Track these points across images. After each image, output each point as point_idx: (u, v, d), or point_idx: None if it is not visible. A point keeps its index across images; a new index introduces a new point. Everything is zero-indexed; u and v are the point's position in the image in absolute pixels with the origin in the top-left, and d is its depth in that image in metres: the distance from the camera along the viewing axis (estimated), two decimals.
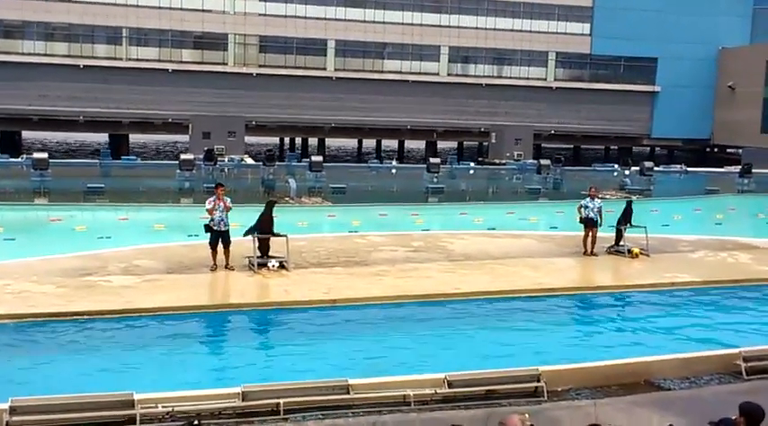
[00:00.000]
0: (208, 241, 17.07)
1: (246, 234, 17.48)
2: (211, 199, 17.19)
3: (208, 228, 17.03)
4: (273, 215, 17.74)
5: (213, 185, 18.50)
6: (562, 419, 9.48)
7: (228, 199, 17.29)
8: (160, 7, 53.23)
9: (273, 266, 16.91)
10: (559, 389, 10.64)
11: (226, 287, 16.00)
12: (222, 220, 16.92)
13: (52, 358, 11.60)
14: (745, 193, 41.50)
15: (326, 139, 63.58)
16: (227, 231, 17.00)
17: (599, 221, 20.28)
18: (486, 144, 59.68)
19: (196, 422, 5.27)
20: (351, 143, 72.85)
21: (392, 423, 9.40)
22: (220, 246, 16.92)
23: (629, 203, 21.09)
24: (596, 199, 20.58)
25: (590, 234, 20.19)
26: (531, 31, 60.68)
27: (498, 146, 54.34)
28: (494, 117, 58.35)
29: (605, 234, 20.72)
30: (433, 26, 58.77)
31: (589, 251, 20.15)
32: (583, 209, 20.35)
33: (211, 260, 16.88)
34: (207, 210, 17.13)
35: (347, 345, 12.72)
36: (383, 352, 12.43)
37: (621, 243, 20.41)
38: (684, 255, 20.73)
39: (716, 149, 65.88)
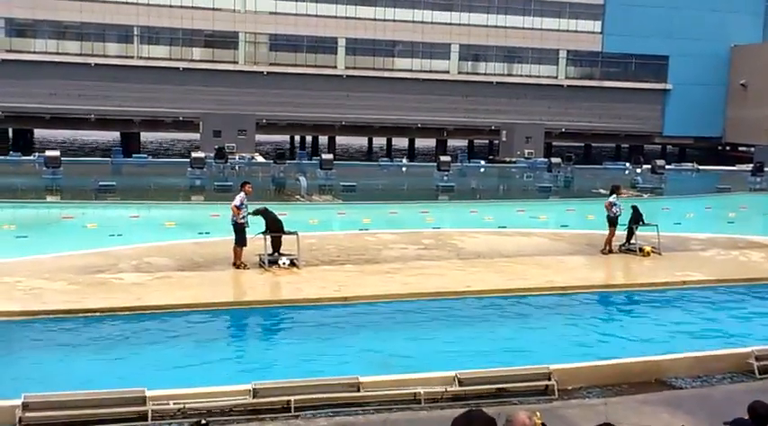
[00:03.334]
0: (236, 240, 16.88)
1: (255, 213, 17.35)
2: (241, 195, 17.09)
3: (241, 227, 16.87)
4: (276, 215, 17.65)
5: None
6: (573, 417, 9.47)
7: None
8: (171, 6, 53.33)
9: (284, 264, 16.94)
10: (570, 388, 10.62)
11: (237, 284, 16.04)
12: (245, 218, 16.96)
13: (64, 354, 11.66)
14: (757, 192, 41.29)
15: (337, 137, 63.63)
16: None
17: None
18: (496, 142, 59.56)
19: (203, 422, 5.27)
20: (361, 141, 72.86)
21: (403, 421, 9.41)
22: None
23: (635, 208, 20.89)
24: (620, 198, 20.54)
25: (613, 232, 20.12)
26: (541, 29, 60.47)
27: (509, 145, 54.23)
28: (504, 115, 58.20)
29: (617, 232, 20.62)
30: (443, 24, 58.66)
31: (608, 249, 20.10)
32: (614, 208, 20.18)
33: (237, 258, 16.84)
34: (233, 207, 16.92)
35: (358, 343, 12.73)
36: (394, 350, 12.43)
37: (633, 241, 20.34)
38: (696, 254, 20.65)
39: (728, 147, 65.48)
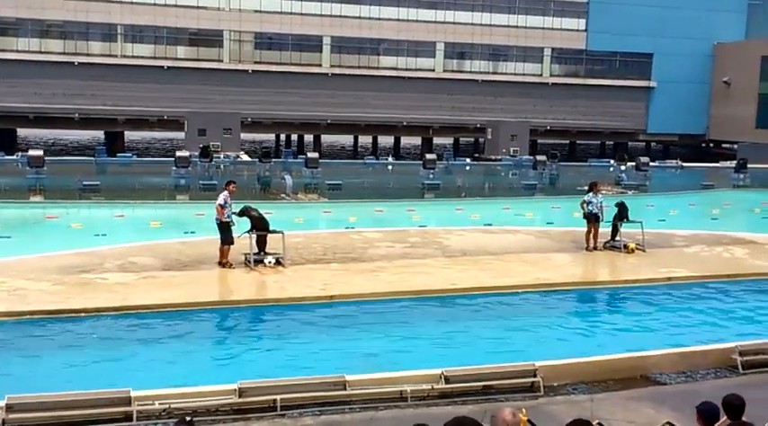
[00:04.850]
0: (222, 239, 16.81)
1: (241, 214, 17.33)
2: (224, 194, 17.04)
3: (226, 226, 16.82)
4: (261, 213, 17.62)
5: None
6: (559, 414, 9.50)
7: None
8: (155, 4, 53.09)
9: (270, 262, 16.91)
10: (556, 384, 10.66)
11: (223, 283, 16.00)
12: (229, 217, 16.92)
13: (49, 355, 11.59)
14: (741, 188, 41.58)
15: (322, 136, 63.54)
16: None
17: (601, 217, 20.27)
18: (482, 140, 59.69)
19: (188, 419, 5.27)
20: (347, 139, 72.80)
21: (389, 419, 9.42)
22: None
23: (621, 204, 20.98)
24: (599, 195, 20.59)
25: (592, 229, 20.19)
26: (526, 27, 60.64)
27: (494, 142, 54.35)
28: (490, 113, 58.36)
29: (601, 229, 20.72)
30: (428, 22, 58.72)
31: (591, 246, 20.17)
32: (586, 205, 20.26)
33: (223, 257, 16.79)
34: (218, 206, 16.86)
35: (344, 341, 12.73)
36: (380, 348, 12.44)
37: (617, 238, 20.43)
38: (680, 250, 20.76)
39: (711, 144, 65.94)
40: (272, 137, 70.46)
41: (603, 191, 22.11)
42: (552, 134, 62.30)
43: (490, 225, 24.38)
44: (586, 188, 21.48)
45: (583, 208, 20.35)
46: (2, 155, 43.31)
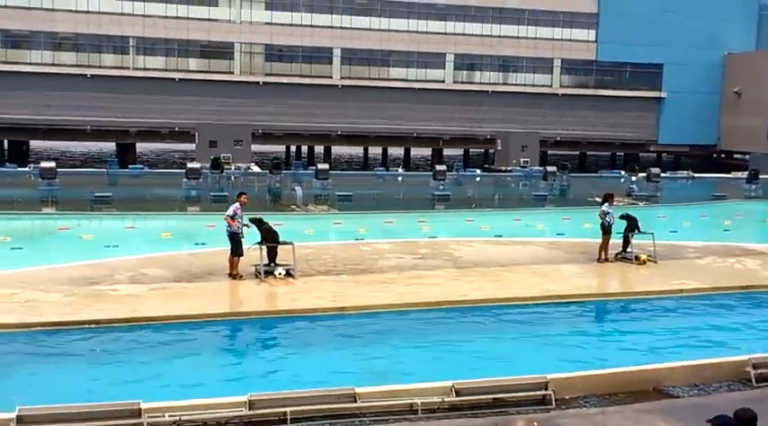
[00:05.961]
0: (232, 251, 16.85)
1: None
2: (235, 206, 17.09)
3: (236, 237, 16.85)
4: (271, 225, 17.64)
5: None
6: None
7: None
8: (166, 17, 53.38)
9: (280, 274, 16.92)
10: (567, 397, 10.60)
11: (233, 295, 16.01)
12: (239, 229, 16.94)
13: (59, 366, 11.61)
14: (753, 199, 41.38)
15: (332, 147, 63.59)
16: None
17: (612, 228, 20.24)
18: (492, 151, 59.65)
19: None
20: (357, 151, 72.89)
21: None
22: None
23: (627, 216, 20.84)
24: (612, 206, 20.55)
25: (607, 240, 20.11)
26: (536, 38, 60.62)
27: (504, 153, 54.30)
28: (499, 124, 58.29)
29: (612, 240, 20.63)
30: (438, 34, 58.77)
31: (603, 258, 20.08)
32: (605, 216, 20.16)
33: (234, 268, 16.81)
34: (227, 218, 16.88)
35: (354, 353, 12.70)
36: (390, 360, 12.41)
37: (629, 249, 20.35)
38: (692, 262, 20.66)
39: (723, 155, 65.57)
40: (282, 148, 70.57)
41: (615, 203, 22.02)
42: (562, 145, 62.14)
43: (500, 236, 24.32)
44: (599, 199, 21.39)
45: (603, 219, 20.18)
46: (14, 167, 43.58)
